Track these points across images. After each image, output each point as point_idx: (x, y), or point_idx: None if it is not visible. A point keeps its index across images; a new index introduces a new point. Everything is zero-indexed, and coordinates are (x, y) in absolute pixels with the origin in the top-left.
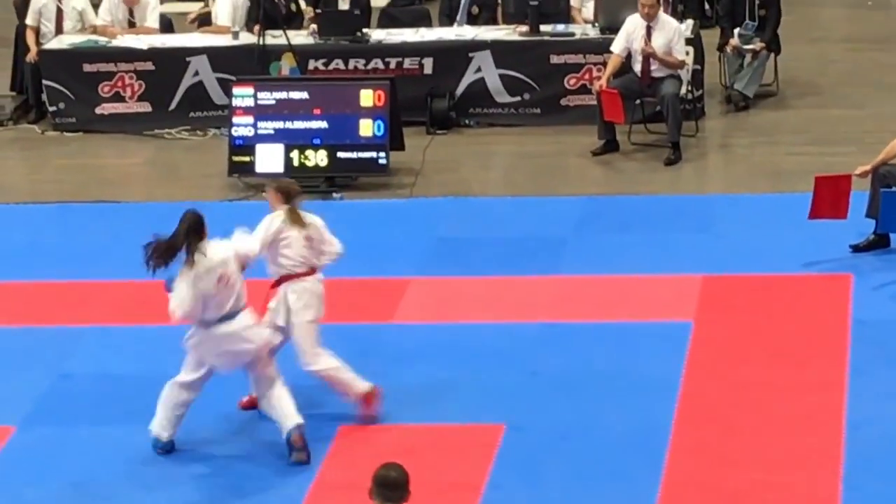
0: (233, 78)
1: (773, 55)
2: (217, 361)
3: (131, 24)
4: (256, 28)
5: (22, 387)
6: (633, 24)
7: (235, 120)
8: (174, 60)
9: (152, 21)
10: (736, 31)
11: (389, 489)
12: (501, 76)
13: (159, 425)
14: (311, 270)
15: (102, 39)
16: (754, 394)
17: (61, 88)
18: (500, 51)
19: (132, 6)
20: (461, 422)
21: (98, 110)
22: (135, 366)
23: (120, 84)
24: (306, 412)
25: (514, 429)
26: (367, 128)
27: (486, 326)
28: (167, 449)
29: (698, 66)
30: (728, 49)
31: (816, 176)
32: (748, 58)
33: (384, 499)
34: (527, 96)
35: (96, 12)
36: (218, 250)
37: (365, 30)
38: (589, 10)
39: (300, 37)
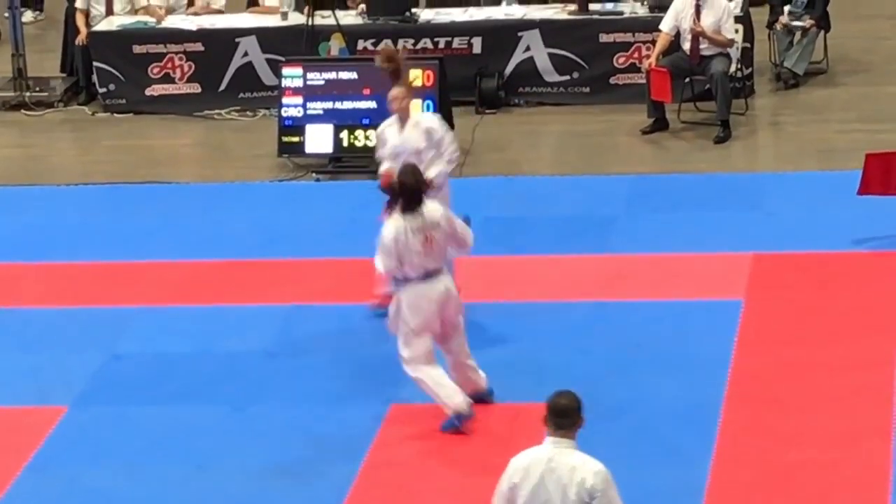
0: (282, 58)
1: (822, 32)
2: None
3: (191, 2)
4: (305, 9)
5: (74, 367)
6: (682, 3)
7: (285, 100)
8: (223, 41)
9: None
10: (786, 8)
11: (560, 416)
12: (550, 55)
13: (451, 400)
14: None
15: (152, 20)
16: (804, 371)
17: (111, 70)
18: (548, 30)
19: None
20: (513, 401)
21: (148, 91)
22: (187, 345)
23: (169, 65)
24: (359, 388)
25: None
26: (416, 107)
27: (536, 305)
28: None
29: (748, 44)
30: (778, 26)
31: (867, 153)
32: (798, 35)
33: (556, 426)
34: (576, 75)
35: None
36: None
37: (414, 9)
38: None
39: (349, 17)
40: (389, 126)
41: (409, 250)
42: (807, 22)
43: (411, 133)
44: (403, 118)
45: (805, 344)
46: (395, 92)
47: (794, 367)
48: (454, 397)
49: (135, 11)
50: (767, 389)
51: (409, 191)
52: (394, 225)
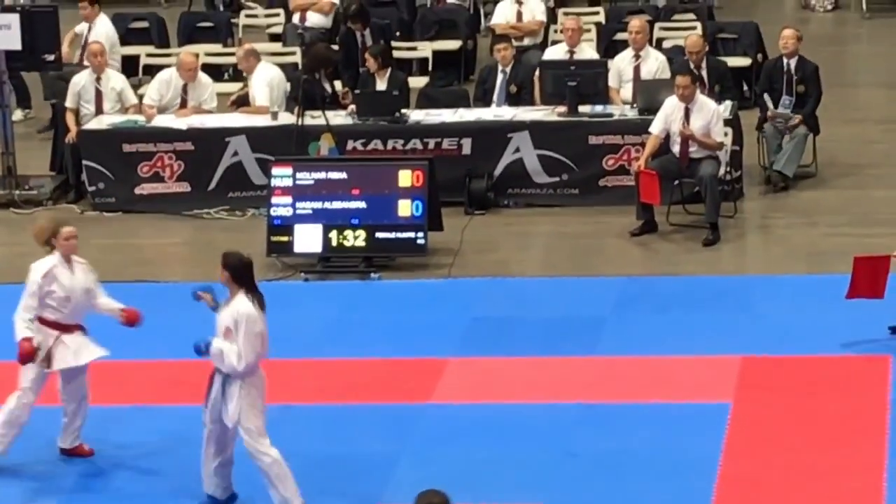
0: (271, 158)
1: (812, 135)
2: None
3: (183, 103)
4: (295, 109)
5: (60, 465)
6: (671, 106)
7: (274, 200)
8: (213, 141)
9: (210, 100)
10: (775, 107)
11: None
12: (540, 157)
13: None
14: None
15: (142, 119)
16: (793, 476)
17: (101, 168)
18: (538, 131)
19: (189, 82)
20: (499, 502)
21: (137, 190)
22: (170, 444)
23: (159, 164)
24: (344, 490)
25: None
26: (405, 208)
27: (524, 406)
28: None
29: (737, 147)
30: (766, 126)
31: (855, 256)
32: (787, 138)
33: None
34: (565, 177)
35: (135, 92)
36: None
37: (403, 110)
38: (627, 91)
39: (339, 117)
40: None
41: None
42: (795, 119)
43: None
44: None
45: (793, 448)
46: None
47: (783, 472)
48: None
49: (125, 110)
50: (755, 494)
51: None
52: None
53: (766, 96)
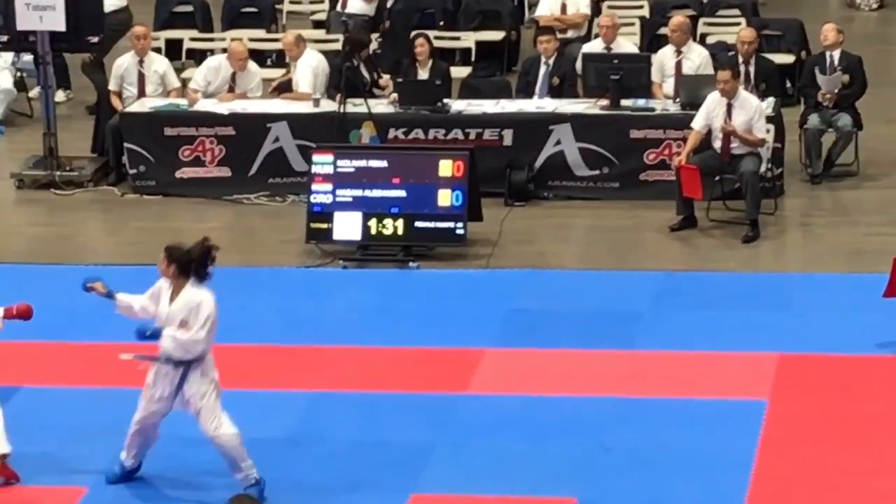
0: (313, 145)
1: (855, 131)
2: None
3: (230, 91)
4: (337, 96)
5: (94, 448)
6: (713, 101)
7: (314, 187)
8: (255, 126)
9: (256, 89)
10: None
11: None
12: (581, 149)
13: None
14: None
15: (184, 103)
16: (828, 476)
17: (142, 151)
18: (579, 124)
19: (238, 71)
20: (532, 494)
21: (178, 174)
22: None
23: (200, 148)
24: (379, 478)
25: (585, 502)
26: (445, 198)
27: (560, 399)
28: None
29: (778, 144)
30: (820, 95)
31: (895, 256)
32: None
33: None
34: (606, 170)
35: (178, 76)
36: None
37: (445, 100)
38: (670, 86)
39: (381, 105)
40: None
41: None
42: (843, 78)
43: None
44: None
45: (829, 447)
46: None
47: (818, 471)
48: None
49: (167, 93)
50: (790, 493)
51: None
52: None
53: (816, 69)
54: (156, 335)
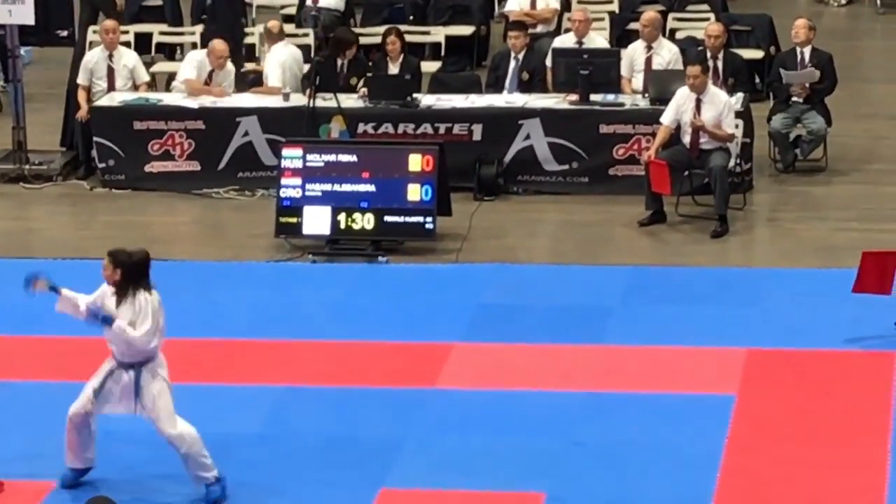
0: (282, 139)
1: (826, 127)
2: None
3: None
4: (307, 90)
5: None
6: (682, 96)
7: (284, 181)
8: (224, 120)
9: (229, 87)
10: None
11: None
12: (550, 144)
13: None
14: None
15: (154, 97)
16: (795, 470)
17: (111, 145)
18: (549, 119)
19: (218, 69)
20: (501, 489)
21: (147, 168)
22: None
23: (170, 142)
24: (348, 472)
25: (554, 498)
26: (414, 192)
27: (528, 394)
28: None
29: (747, 139)
30: (785, 82)
31: (864, 252)
32: (796, 131)
33: None
34: (575, 165)
35: (147, 70)
36: None
37: (415, 95)
38: (639, 81)
39: (350, 100)
40: None
41: None
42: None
43: None
44: None
45: (797, 442)
46: None
47: (786, 466)
48: None
49: (136, 87)
50: (758, 488)
51: None
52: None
53: (781, 70)
54: (108, 321)
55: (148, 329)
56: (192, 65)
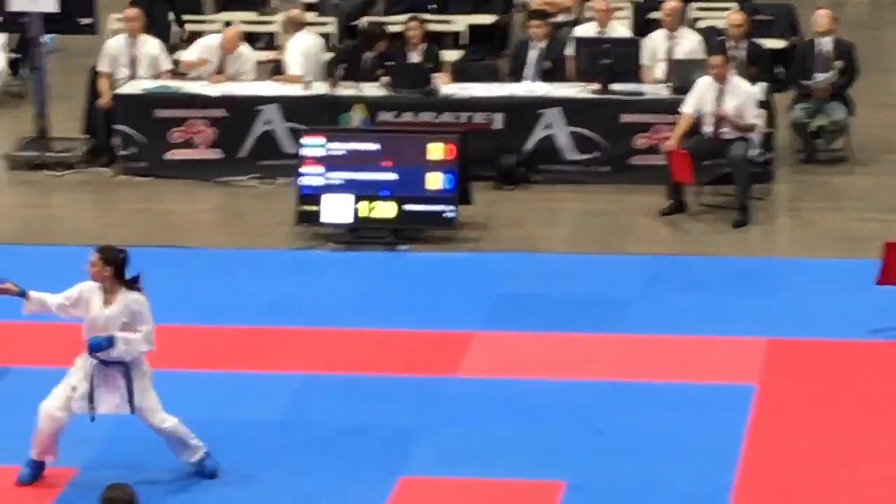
0: (303, 127)
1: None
2: None
3: (219, 72)
4: (329, 79)
5: (85, 431)
6: (704, 86)
7: (304, 169)
8: (245, 108)
9: (251, 72)
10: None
11: None
12: (571, 133)
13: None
14: None
15: (174, 85)
16: (816, 461)
17: (132, 133)
18: (570, 108)
19: (229, 54)
20: (522, 478)
21: (168, 156)
22: (197, 411)
23: (191, 130)
24: (368, 460)
25: (574, 487)
26: (435, 181)
27: (548, 383)
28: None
29: (769, 129)
30: (811, 87)
31: (887, 242)
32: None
33: None
34: (596, 154)
35: (170, 58)
36: None
37: (436, 83)
38: (660, 70)
39: (371, 88)
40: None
41: None
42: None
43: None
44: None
45: (817, 433)
46: None
47: (806, 456)
48: None
49: (158, 75)
50: (777, 478)
51: None
52: None
53: (807, 82)
54: (110, 343)
55: (150, 330)
56: (196, 51)
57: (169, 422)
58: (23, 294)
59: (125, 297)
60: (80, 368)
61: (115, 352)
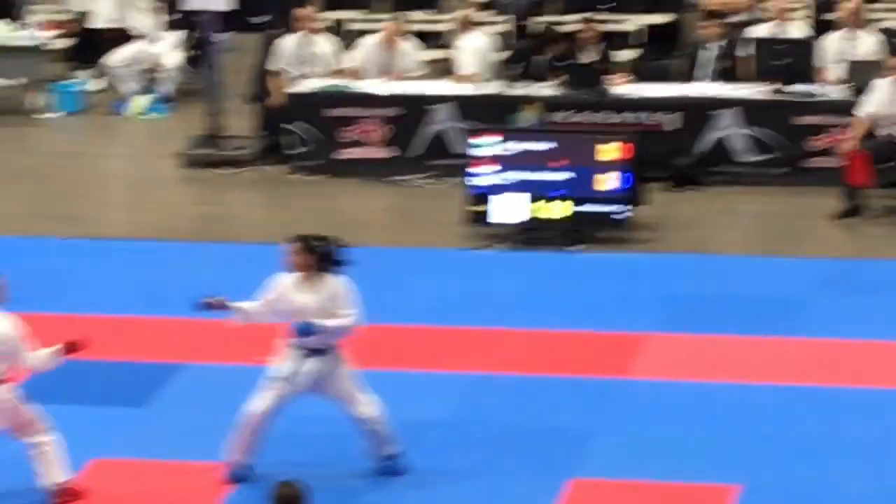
0: (475, 126)
1: None
2: None
3: (386, 70)
4: (502, 78)
5: None
6: (882, 88)
7: (476, 169)
8: (417, 107)
9: (416, 69)
10: None
11: None
12: (745, 135)
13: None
14: None
15: (347, 84)
16: None
17: (305, 132)
18: (745, 109)
19: (390, 50)
20: (694, 481)
21: (339, 154)
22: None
23: (362, 129)
24: (537, 461)
25: (751, 490)
26: (608, 181)
27: (721, 386)
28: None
29: None
30: None
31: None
32: None
33: None
34: (770, 156)
35: (342, 57)
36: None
37: (610, 83)
38: (838, 71)
39: (545, 88)
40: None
41: None
42: None
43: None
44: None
45: None
46: None
47: None
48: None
49: (331, 74)
50: None
51: None
52: None
53: None
54: (312, 330)
55: (356, 311)
56: (357, 52)
57: (368, 409)
58: (228, 307)
59: (327, 283)
60: (281, 361)
61: (324, 336)
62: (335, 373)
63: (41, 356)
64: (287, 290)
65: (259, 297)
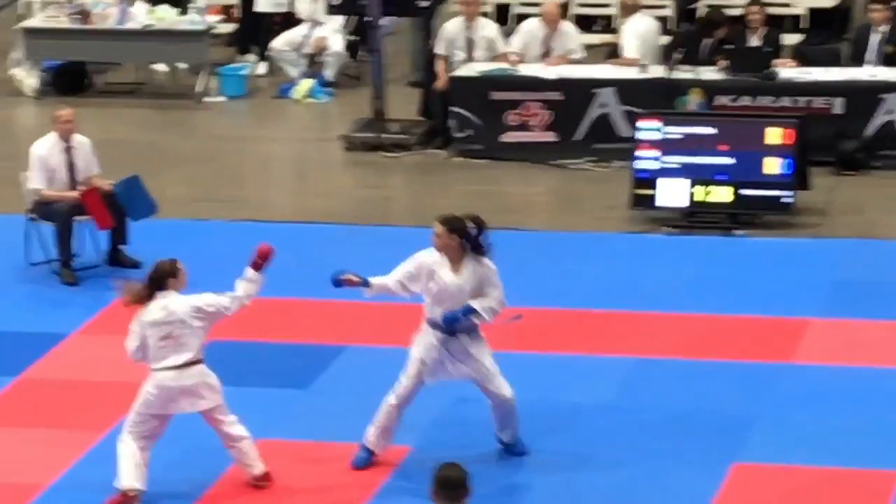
0: (639, 110)
1: None
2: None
3: (547, 53)
4: (667, 62)
5: (421, 408)
6: None
7: (640, 153)
8: (581, 91)
9: (578, 51)
10: None
11: (449, 489)
12: None
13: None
14: None
15: (512, 68)
16: None
17: (468, 115)
18: None
19: (551, 32)
20: (858, 466)
21: (504, 138)
22: (529, 392)
23: (526, 113)
24: (700, 446)
25: None
26: (773, 166)
27: (886, 371)
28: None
29: None
30: None
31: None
32: None
33: (446, 499)
34: None
35: (507, 41)
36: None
37: (775, 67)
38: None
39: (709, 72)
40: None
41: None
42: None
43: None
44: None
45: None
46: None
47: None
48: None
49: (495, 58)
50: None
51: None
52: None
53: None
54: (471, 312)
55: (501, 292)
56: (518, 37)
57: (507, 389)
58: (365, 283)
59: (473, 264)
60: (421, 345)
61: (478, 319)
62: (475, 353)
63: (242, 286)
64: (430, 268)
65: (398, 271)
